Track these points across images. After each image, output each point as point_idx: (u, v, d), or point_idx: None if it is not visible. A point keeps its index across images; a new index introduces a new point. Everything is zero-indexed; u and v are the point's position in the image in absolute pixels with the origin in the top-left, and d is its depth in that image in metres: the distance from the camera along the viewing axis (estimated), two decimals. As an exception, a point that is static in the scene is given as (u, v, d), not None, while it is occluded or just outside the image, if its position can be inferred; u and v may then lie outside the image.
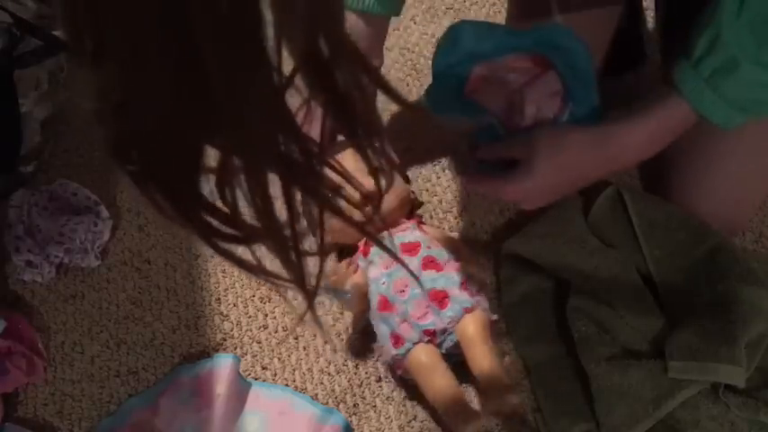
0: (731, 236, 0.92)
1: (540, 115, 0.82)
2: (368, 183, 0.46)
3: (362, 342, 0.92)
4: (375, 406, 0.88)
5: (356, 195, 0.45)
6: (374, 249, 0.87)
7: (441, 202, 1.01)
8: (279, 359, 0.92)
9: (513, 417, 0.82)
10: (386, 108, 1.03)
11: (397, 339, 0.82)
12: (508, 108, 0.84)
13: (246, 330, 0.94)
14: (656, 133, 0.74)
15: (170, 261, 1.00)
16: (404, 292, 0.83)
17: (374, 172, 0.44)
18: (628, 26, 0.99)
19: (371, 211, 0.49)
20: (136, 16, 0.33)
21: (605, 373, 0.80)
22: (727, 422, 0.78)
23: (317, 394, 0.89)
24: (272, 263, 0.43)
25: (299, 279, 0.43)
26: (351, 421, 0.87)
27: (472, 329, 0.82)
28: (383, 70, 0.93)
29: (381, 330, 0.84)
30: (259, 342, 0.93)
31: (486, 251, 0.95)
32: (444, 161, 1.04)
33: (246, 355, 0.93)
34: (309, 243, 0.43)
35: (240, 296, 0.97)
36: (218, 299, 0.97)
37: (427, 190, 1.02)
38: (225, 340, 0.94)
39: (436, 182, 1.03)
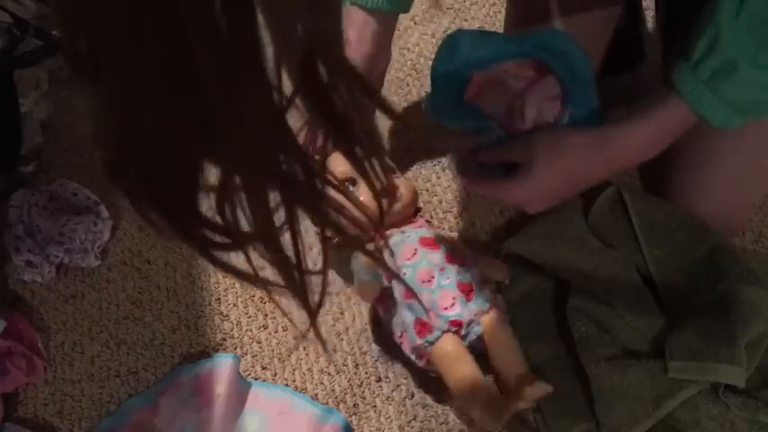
0: (731, 236, 0.92)
1: (541, 119, 0.82)
2: (368, 199, 0.46)
3: (371, 342, 0.92)
4: (375, 406, 0.88)
5: (358, 214, 0.45)
6: (396, 240, 0.87)
7: (441, 202, 1.01)
8: (279, 359, 0.92)
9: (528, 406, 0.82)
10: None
11: (424, 327, 0.82)
12: (508, 112, 0.84)
13: (246, 330, 0.94)
14: (656, 135, 0.74)
15: (170, 261, 1.00)
16: (430, 282, 0.83)
17: (375, 191, 0.44)
18: (627, 26, 0.99)
19: (373, 228, 0.49)
20: (134, 41, 0.33)
21: (605, 373, 0.80)
22: (728, 422, 0.78)
23: (316, 394, 0.89)
24: (272, 272, 0.43)
25: (302, 296, 0.43)
26: (351, 421, 0.87)
27: (499, 323, 0.82)
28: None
29: (406, 318, 0.83)
30: (259, 342, 0.93)
31: (486, 251, 0.95)
32: (444, 161, 1.04)
33: (246, 355, 0.93)
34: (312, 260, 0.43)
35: (240, 296, 0.97)
36: (218, 299, 0.97)
37: (427, 190, 1.02)
38: (225, 340, 0.94)
39: (436, 182, 1.03)
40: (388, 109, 0.43)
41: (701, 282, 0.84)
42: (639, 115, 0.74)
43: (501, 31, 1.05)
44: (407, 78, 1.12)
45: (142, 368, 0.93)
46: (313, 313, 0.44)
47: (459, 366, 0.80)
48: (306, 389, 0.90)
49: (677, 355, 0.78)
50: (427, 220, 0.95)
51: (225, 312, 0.96)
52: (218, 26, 0.32)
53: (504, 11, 1.04)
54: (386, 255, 0.85)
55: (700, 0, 0.69)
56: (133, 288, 0.99)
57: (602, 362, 0.81)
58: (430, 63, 0.85)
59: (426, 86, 1.09)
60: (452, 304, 0.82)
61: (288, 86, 0.37)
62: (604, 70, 0.93)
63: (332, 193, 0.42)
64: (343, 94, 0.38)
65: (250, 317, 0.95)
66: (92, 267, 1.00)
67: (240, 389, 0.89)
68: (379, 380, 0.90)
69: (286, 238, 0.40)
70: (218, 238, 0.40)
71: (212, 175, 0.38)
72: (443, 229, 0.98)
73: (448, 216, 1.00)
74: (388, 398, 0.89)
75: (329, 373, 0.90)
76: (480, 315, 0.82)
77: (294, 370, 0.91)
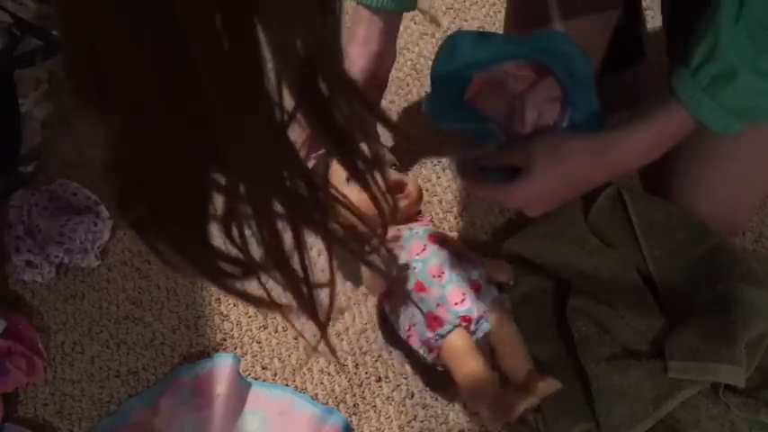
0: (731, 236, 0.92)
1: (541, 121, 0.82)
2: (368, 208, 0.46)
3: (371, 342, 0.92)
4: (375, 406, 0.88)
5: (361, 226, 0.46)
6: (405, 235, 0.88)
7: (441, 202, 1.01)
8: (279, 359, 0.92)
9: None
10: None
11: (434, 321, 0.82)
12: (508, 114, 0.84)
13: (246, 330, 0.94)
14: (656, 140, 0.74)
15: (170, 261, 1.00)
16: (441, 277, 0.83)
17: (377, 202, 0.44)
18: (627, 24, 0.99)
19: (377, 240, 0.49)
20: (137, 62, 0.33)
21: (605, 373, 0.80)
22: (728, 422, 0.78)
23: (316, 394, 0.89)
24: (282, 296, 0.43)
25: (311, 311, 0.43)
26: (351, 421, 0.87)
27: (506, 321, 0.83)
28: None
29: (416, 312, 0.83)
30: (259, 342, 0.93)
31: (486, 251, 0.95)
32: (444, 161, 1.04)
33: (246, 355, 0.93)
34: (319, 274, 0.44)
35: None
36: (219, 299, 0.97)
37: (427, 190, 1.02)
38: (225, 340, 0.94)
39: (436, 182, 1.03)
40: (387, 122, 0.43)
41: (701, 282, 0.84)
42: (640, 120, 0.74)
43: (501, 31, 1.06)
44: (407, 78, 1.12)
45: (142, 368, 0.93)
46: (323, 326, 0.45)
47: (468, 362, 0.80)
48: (306, 389, 0.90)
49: (677, 355, 0.78)
50: (430, 219, 0.95)
51: (225, 312, 0.96)
52: (219, 44, 0.33)
53: (504, 11, 1.04)
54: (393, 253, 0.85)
55: (702, 3, 0.69)
56: (133, 288, 0.99)
57: (602, 362, 0.81)
58: (430, 63, 0.85)
59: (426, 86, 1.09)
60: (462, 300, 0.82)
61: (289, 102, 0.37)
62: (604, 69, 0.93)
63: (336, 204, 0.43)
64: (344, 109, 0.38)
65: (250, 317, 0.95)
66: (92, 267, 1.00)
67: (240, 389, 0.89)
68: (379, 380, 0.90)
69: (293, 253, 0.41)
70: (228, 268, 0.40)
71: (220, 204, 0.39)
72: (443, 229, 0.98)
73: (448, 216, 1.00)
74: (388, 398, 0.89)
75: (329, 373, 0.90)
76: (488, 312, 0.83)
77: (294, 370, 0.91)
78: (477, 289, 0.83)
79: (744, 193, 0.90)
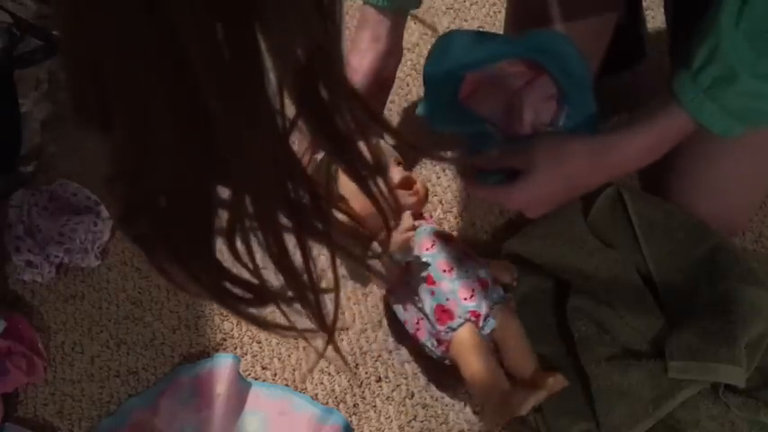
0: (731, 236, 0.92)
1: (538, 120, 0.82)
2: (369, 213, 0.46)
3: (371, 342, 0.92)
4: (375, 406, 0.88)
5: (365, 234, 0.46)
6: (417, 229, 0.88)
7: (441, 202, 1.01)
8: (279, 359, 0.92)
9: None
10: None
11: (444, 314, 0.82)
12: (504, 114, 0.83)
13: (246, 330, 0.94)
14: (657, 142, 0.74)
15: (170, 261, 1.00)
16: (450, 272, 0.84)
17: (381, 210, 0.44)
18: (627, 24, 0.98)
19: (379, 246, 0.49)
20: (138, 75, 0.33)
21: (605, 373, 0.80)
22: (728, 422, 0.78)
23: (316, 394, 0.89)
24: (286, 312, 0.43)
25: (318, 319, 0.43)
26: (351, 421, 0.87)
27: (512, 320, 0.83)
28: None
29: (427, 305, 0.83)
30: (259, 342, 0.93)
31: (486, 251, 0.95)
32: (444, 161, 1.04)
33: (246, 355, 0.93)
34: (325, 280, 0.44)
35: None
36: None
37: (427, 190, 1.02)
38: (225, 340, 0.94)
39: (436, 182, 1.03)
40: (389, 128, 0.43)
41: (701, 282, 0.84)
42: (640, 123, 0.74)
43: (501, 32, 1.05)
44: (407, 78, 1.12)
45: (142, 368, 0.93)
46: (331, 332, 0.45)
47: (478, 357, 0.80)
48: (306, 389, 0.90)
49: (677, 355, 0.78)
50: (433, 220, 0.95)
51: (225, 312, 0.96)
52: (220, 53, 0.33)
53: (503, 11, 1.04)
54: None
55: (705, 4, 0.69)
56: (133, 288, 0.99)
57: (602, 362, 0.81)
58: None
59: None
60: (472, 295, 0.82)
61: (290, 110, 0.37)
62: (604, 69, 0.93)
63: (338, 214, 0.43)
64: (345, 115, 0.38)
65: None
66: (92, 267, 1.00)
67: (240, 389, 0.89)
68: (379, 380, 0.90)
69: (298, 259, 0.41)
70: (237, 291, 0.40)
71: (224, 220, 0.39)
72: (444, 228, 0.98)
73: (448, 216, 1.00)
74: (388, 398, 0.89)
75: (329, 373, 0.90)
76: (495, 310, 0.83)
77: (294, 370, 0.91)
78: (484, 286, 0.84)
79: (744, 193, 0.90)
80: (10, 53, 0.99)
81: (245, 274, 0.40)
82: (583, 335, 0.84)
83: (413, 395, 0.89)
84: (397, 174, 0.88)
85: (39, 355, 0.92)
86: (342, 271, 0.93)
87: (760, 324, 0.79)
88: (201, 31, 0.32)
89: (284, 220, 0.39)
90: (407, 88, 1.11)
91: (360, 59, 0.87)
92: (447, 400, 0.88)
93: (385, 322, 0.93)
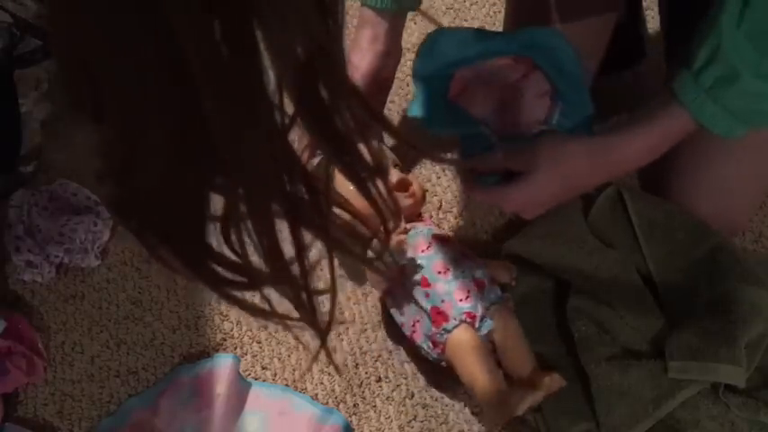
0: (731, 236, 0.92)
1: (532, 117, 0.81)
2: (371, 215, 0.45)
3: (371, 342, 0.92)
4: (375, 406, 0.88)
5: (365, 232, 0.45)
6: (411, 232, 0.88)
7: (441, 202, 1.01)
8: (279, 359, 0.92)
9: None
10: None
11: (440, 316, 0.82)
12: (497, 112, 0.82)
13: (246, 330, 0.94)
14: (657, 142, 0.74)
15: (170, 261, 1.00)
16: (446, 273, 0.84)
17: (380, 212, 0.44)
18: (628, 23, 0.98)
19: (379, 244, 0.49)
20: (136, 74, 0.33)
21: (605, 373, 0.80)
22: (728, 422, 0.78)
23: (316, 394, 0.89)
24: (280, 301, 0.43)
25: (311, 318, 0.43)
26: (351, 421, 0.87)
27: (510, 319, 0.83)
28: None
29: (423, 307, 0.83)
30: (259, 342, 0.93)
31: (486, 251, 0.95)
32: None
33: (246, 355, 0.93)
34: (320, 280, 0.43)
35: (243, 298, 0.96)
36: (218, 299, 0.97)
37: (427, 190, 1.02)
38: (225, 340, 0.94)
39: (436, 182, 1.03)
40: (390, 128, 0.43)
41: (701, 282, 0.84)
42: (640, 123, 0.73)
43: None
44: (407, 78, 1.12)
45: (142, 368, 0.93)
46: (324, 335, 0.44)
47: (473, 357, 0.80)
48: (306, 389, 0.90)
49: (677, 355, 0.78)
50: (431, 221, 0.95)
51: (225, 312, 0.96)
52: (218, 51, 0.32)
53: (504, 11, 1.04)
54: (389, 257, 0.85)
55: (702, 4, 0.68)
56: (133, 288, 0.99)
57: (602, 362, 0.81)
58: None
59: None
60: (467, 296, 0.82)
61: (289, 107, 0.37)
62: (604, 69, 0.93)
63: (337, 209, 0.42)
64: (345, 115, 0.38)
65: (252, 317, 0.95)
66: (92, 267, 1.00)
67: (240, 389, 0.89)
68: (379, 380, 0.90)
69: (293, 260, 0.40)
70: (229, 275, 0.40)
71: (218, 206, 0.38)
72: (443, 229, 0.98)
73: (448, 216, 1.00)
74: (388, 398, 0.89)
75: (329, 373, 0.90)
76: (492, 310, 0.83)
77: (294, 370, 0.91)
78: (481, 287, 0.83)
79: (744, 193, 0.90)
80: (10, 53, 0.99)
81: (238, 261, 0.40)
82: (583, 335, 0.84)
83: (413, 395, 0.89)
84: (393, 176, 0.88)
85: (39, 355, 0.92)
86: (339, 272, 0.94)
87: (760, 324, 0.79)
88: (199, 30, 0.32)
89: (280, 218, 0.39)
90: (407, 88, 1.11)
91: (359, 59, 0.87)
92: (447, 400, 0.88)
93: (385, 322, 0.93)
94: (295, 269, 0.41)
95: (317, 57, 0.36)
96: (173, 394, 0.89)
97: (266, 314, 0.43)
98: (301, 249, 0.40)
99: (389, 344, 0.92)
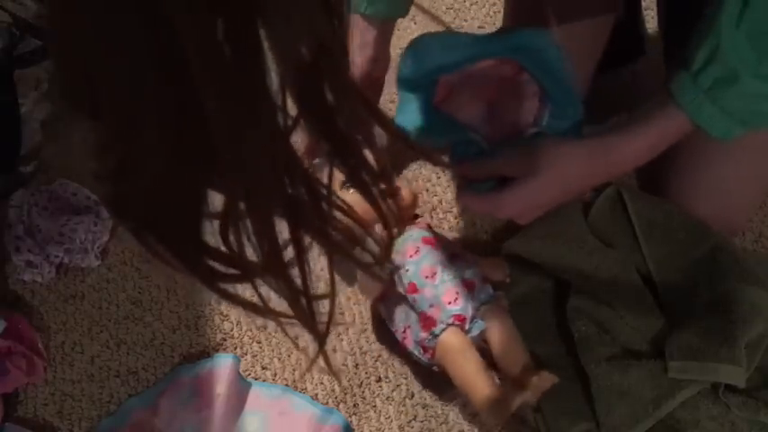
0: (731, 236, 0.92)
1: (521, 120, 0.79)
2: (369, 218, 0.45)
3: (371, 342, 0.92)
4: (375, 406, 0.88)
5: (366, 236, 0.45)
6: (400, 239, 0.88)
7: (441, 202, 1.01)
8: (279, 359, 0.92)
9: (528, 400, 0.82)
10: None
11: (428, 321, 0.82)
12: (485, 116, 0.80)
13: (246, 330, 0.94)
14: (655, 143, 0.73)
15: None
16: (433, 278, 0.83)
17: (382, 215, 0.43)
18: (626, 21, 0.98)
19: (378, 247, 0.48)
20: (135, 74, 0.32)
21: (605, 373, 0.80)
22: (728, 422, 0.78)
23: (316, 394, 0.89)
24: (279, 302, 0.42)
25: (310, 323, 0.42)
26: (351, 421, 0.87)
27: (501, 318, 0.83)
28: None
29: (410, 313, 0.83)
30: (259, 342, 0.93)
31: (486, 251, 0.95)
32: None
33: (246, 355, 0.93)
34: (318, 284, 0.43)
35: (240, 296, 0.97)
36: (219, 299, 0.97)
37: (427, 190, 1.02)
38: (225, 340, 0.94)
39: (436, 182, 1.03)
40: (390, 129, 0.42)
41: (701, 282, 0.84)
42: (638, 124, 0.73)
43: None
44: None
45: (142, 368, 0.93)
46: (322, 339, 0.44)
47: (463, 360, 0.80)
48: (306, 389, 0.90)
49: (677, 355, 0.78)
50: (427, 223, 0.95)
51: (225, 312, 0.96)
52: (220, 51, 0.32)
53: (502, 11, 1.04)
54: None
55: (699, 5, 0.68)
56: (133, 288, 0.99)
57: (602, 362, 0.81)
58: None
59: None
60: (456, 299, 0.82)
61: (291, 108, 0.36)
62: (602, 67, 0.92)
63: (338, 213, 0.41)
64: (348, 116, 0.38)
65: (250, 317, 0.95)
66: (92, 267, 1.00)
67: (240, 389, 0.89)
68: (379, 380, 0.90)
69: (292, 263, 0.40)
70: (224, 270, 0.39)
71: (215, 202, 0.38)
72: (443, 229, 0.98)
73: (448, 216, 1.00)
74: (388, 398, 0.89)
75: (329, 373, 0.90)
76: (483, 311, 0.83)
77: (294, 370, 0.91)
78: (470, 287, 0.83)
79: (743, 193, 0.90)
80: (10, 53, 0.99)
81: (232, 254, 0.39)
82: (583, 335, 0.84)
83: (413, 395, 0.89)
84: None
85: (39, 355, 0.92)
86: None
87: (760, 324, 0.79)
88: (201, 30, 0.31)
89: (280, 219, 0.38)
90: (407, 88, 1.11)
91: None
92: (447, 399, 0.88)
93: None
94: (295, 272, 0.40)
95: (321, 57, 0.35)
96: (173, 394, 0.89)
97: (265, 312, 0.43)
98: (302, 253, 0.40)
99: (389, 344, 0.92)
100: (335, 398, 0.89)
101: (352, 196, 0.42)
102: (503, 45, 0.76)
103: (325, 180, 0.40)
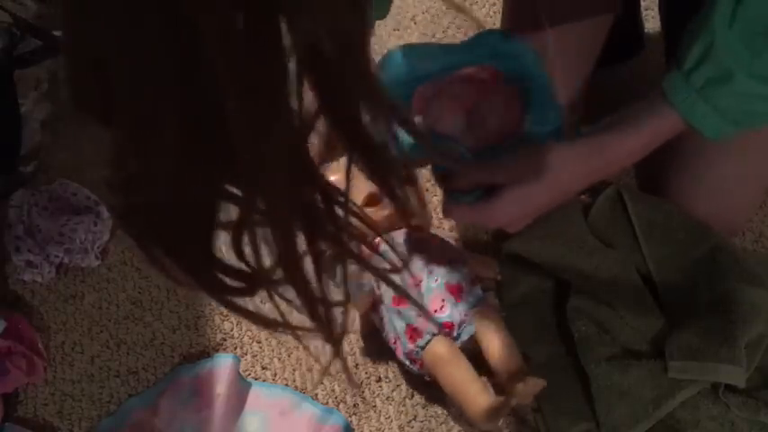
0: (731, 236, 0.92)
1: (503, 127, 0.76)
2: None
3: (371, 342, 0.92)
4: (375, 406, 0.88)
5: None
6: (383, 247, 0.86)
7: (441, 202, 1.01)
8: (279, 359, 0.92)
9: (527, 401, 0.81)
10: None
11: (414, 332, 0.82)
12: (463, 127, 0.77)
13: (246, 330, 0.94)
14: (648, 142, 0.73)
15: (170, 261, 1.00)
16: (418, 286, 0.83)
17: (406, 216, 0.43)
18: (624, 18, 0.98)
19: (401, 259, 0.48)
20: (149, 78, 0.32)
21: (605, 373, 0.80)
22: (728, 422, 0.78)
23: (316, 394, 0.89)
24: (288, 313, 0.42)
25: (327, 330, 0.42)
26: (351, 421, 0.87)
27: (490, 319, 0.82)
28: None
29: (397, 325, 0.83)
30: (259, 342, 0.93)
31: (486, 251, 0.95)
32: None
33: (246, 355, 0.93)
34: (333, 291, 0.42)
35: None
36: (218, 299, 0.97)
37: (427, 190, 1.02)
38: (225, 340, 0.94)
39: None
40: (412, 127, 0.41)
41: (702, 282, 0.84)
42: (629, 123, 0.72)
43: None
44: (407, 78, 1.12)
45: (142, 368, 0.93)
46: (338, 346, 0.43)
47: (451, 369, 0.80)
48: (306, 389, 0.90)
49: (677, 355, 0.78)
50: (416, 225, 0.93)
51: (225, 312, 0.96)
52: (239, 46, 0.32)
53: (501, 11, 1.04)
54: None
55: (701, 5, 0.68)
56: (133, 288, 0.99)
57: (602, 362, 0.81)
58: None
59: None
60: (442, 306, 0.82)
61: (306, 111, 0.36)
62: (600, 62, 0.92)
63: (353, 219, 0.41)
64: (369, 110, 0.37)
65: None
66: (92, 267, 1.00)
67: (240, 389, 0.89)
68: (379, 380, 0.90)
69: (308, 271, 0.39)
70: (233, 283, 0.39)
71: (226, 214, 0.37)
72: (443, 229, 0.98)
73: (448, 216, 1.00)
74: (388, 398, 0.89)
75: (329, 374, 0.90)
76: (472, 314, 0.82)
77: (294, 370, 0.91)
78: (457, 292, 0.83)
79: (743, 193, 0.90)
80: (10, 53, 0.99)
81: (241, 267, 0.39)
82: (583, 335, 0.84)
83: (413, 395, 0.89)
84: (362, 191, 0.81)
85: (39, 355, 0.92)
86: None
87: (760, 324, 0.79)
88: (223, 29, 0.31)
89: (297, 227, 0.38)
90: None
91: None
92: (447, 400, 0.88)
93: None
94: (313, 280, 0.40)
95: (344, 51, 0.34)
96: (173, 394, 0.89)
97: (274, 324, 0.42)
98: (319, 260, 0.39)
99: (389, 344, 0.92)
100: (335, 398, 0.89)
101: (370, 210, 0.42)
102: (479, 52, 0.74)
103: (341, 186, 0.40)
